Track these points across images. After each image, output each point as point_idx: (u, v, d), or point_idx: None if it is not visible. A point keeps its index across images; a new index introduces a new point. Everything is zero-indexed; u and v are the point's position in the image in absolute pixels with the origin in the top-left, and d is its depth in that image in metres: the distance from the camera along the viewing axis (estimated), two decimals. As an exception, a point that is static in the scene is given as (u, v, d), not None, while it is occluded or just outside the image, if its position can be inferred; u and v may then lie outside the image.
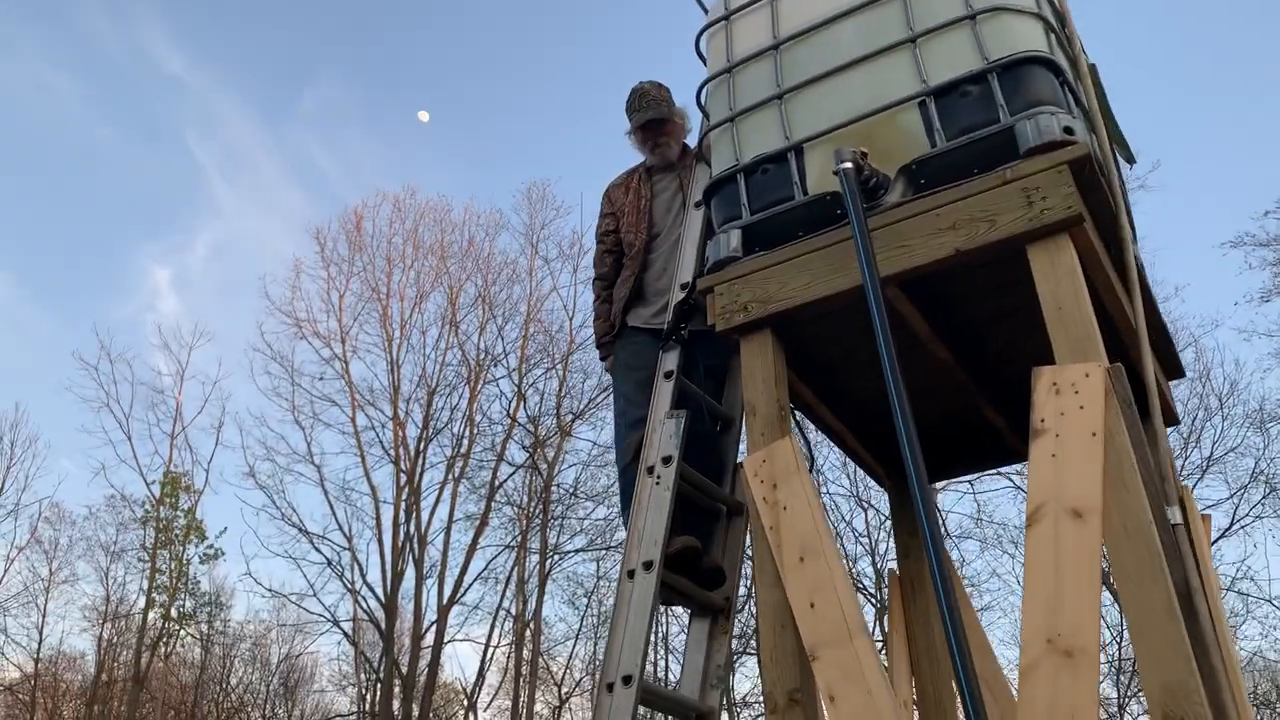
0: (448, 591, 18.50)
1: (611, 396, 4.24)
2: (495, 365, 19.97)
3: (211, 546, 20.63)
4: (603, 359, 3.92)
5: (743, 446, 3.26)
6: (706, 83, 3.27)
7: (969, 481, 16.02)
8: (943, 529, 15.06)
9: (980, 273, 2.73)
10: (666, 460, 3.13)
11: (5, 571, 21.62)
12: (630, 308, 3.81)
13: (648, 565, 2.95)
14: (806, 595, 2.46)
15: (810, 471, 2.79)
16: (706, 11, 3.40)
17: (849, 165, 2.60)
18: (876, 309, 2.37)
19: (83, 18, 27.24)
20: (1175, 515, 2.32)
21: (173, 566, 20.44)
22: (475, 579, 18.89)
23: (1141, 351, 2.68)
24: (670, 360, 3.38)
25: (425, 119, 26.62)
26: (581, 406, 19.22)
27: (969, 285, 2.82)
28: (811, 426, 3.53)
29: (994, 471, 15.09)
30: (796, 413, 3.39)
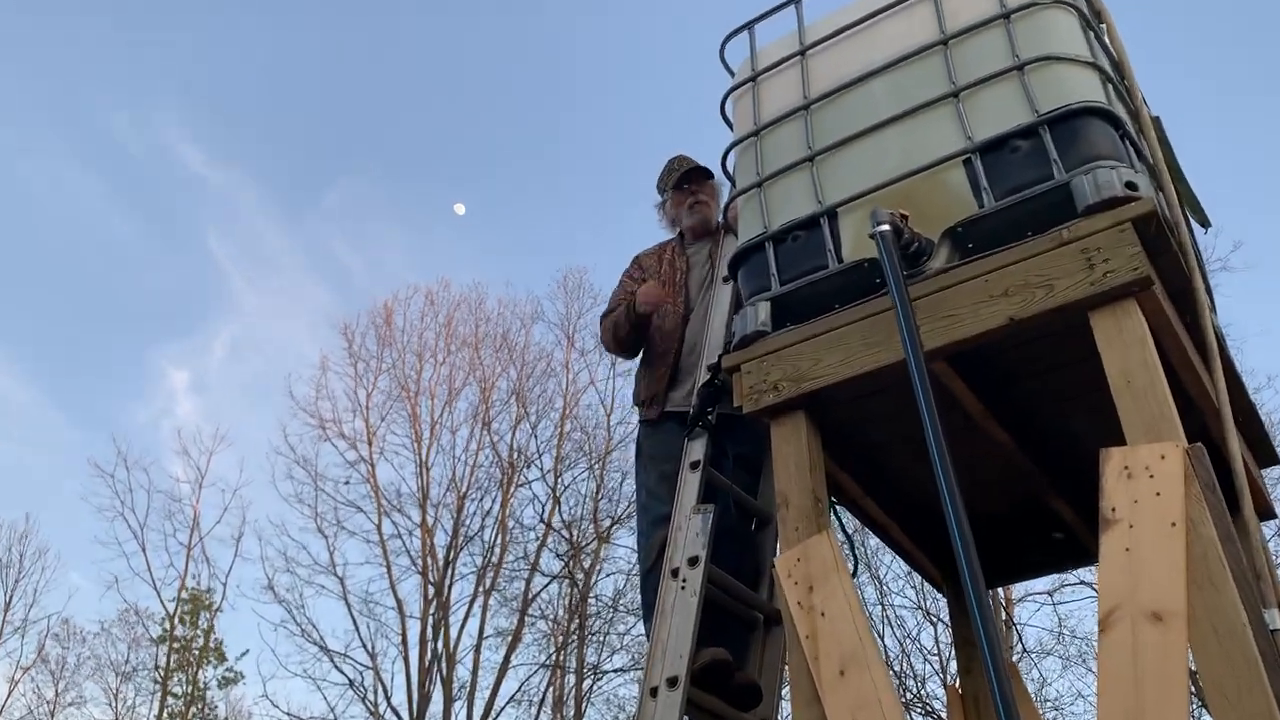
0: (478, 714, 18.12)
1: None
2: (529, 466, 19.82)
3: (231, 669, 20.47)
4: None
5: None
6: (732, 147, 3.23)
7: (1048, 593, 15.52)
8: (1019, 644, 14.53)
9: (1039, 344, 2.64)
10: (693, 561, 2.99)
11: (9, 694, 21.57)
12: (669, 389, 3.70)
13: (672, 682, 2.79)
14: (848, 713, 2.29)
15: (854, 573, 2.67)
16: (733, 74, 3.38)
17: (886, 228, 2.53)
18: (921, 386, 2.27)
19: (102, 116, 28.24)
20: (1275, 619, 2.13)
21: (188, 690, 20.23)
22: (508, 702, 18.46)
23: (1225, 430, 2.51)
24: (696, 449, 3.26)
25: (461, 211, 26.96)
26: (621, 511, 18.97)
27: (1026, 358, 2.73)
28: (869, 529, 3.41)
29: (1076, 580, 14.60)
30: (838, 507, 3.24)
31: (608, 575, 19.19)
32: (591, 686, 18.40)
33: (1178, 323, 2.58)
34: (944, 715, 15.91)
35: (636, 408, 3.83)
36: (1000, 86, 2.73)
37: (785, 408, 2.75)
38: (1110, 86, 2.73)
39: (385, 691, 18.50)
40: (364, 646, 18.87)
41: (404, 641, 18.64)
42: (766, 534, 3.44)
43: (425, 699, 18.22)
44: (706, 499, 3.17)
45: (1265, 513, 3.01)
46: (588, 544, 18.91)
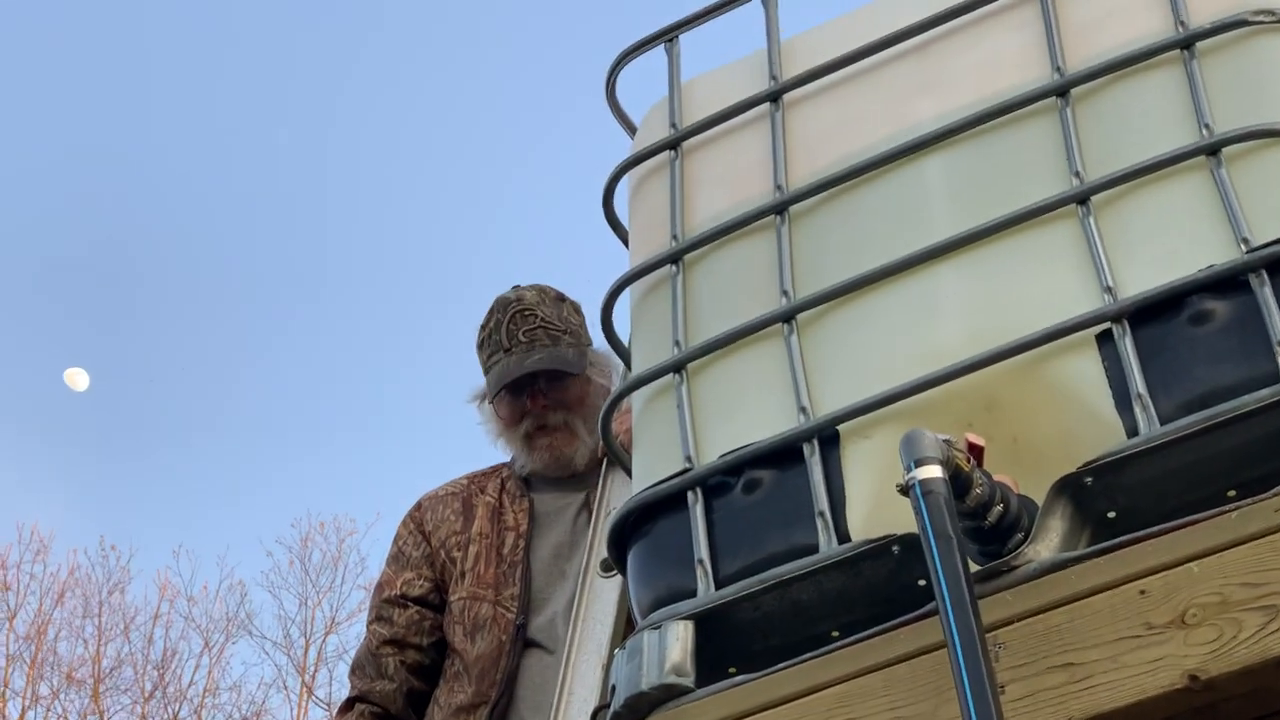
0: None
1: None
2: None
3: None
4: None
5: None
6: (625, 285, 3.00)
7: None
8: None
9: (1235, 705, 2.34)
10: None
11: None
12: None
13: None
14: None
15: None
16: (633, 132, 3.24)
17: (936, 474, 2.26)
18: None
19: None
20: None
21: None
22: None
23: None
24: None
25: (83, 382, 27.07)
26: None
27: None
28: None
29: None
30: None
31: None
32: None
33: None
34: None
35: None
36: (1172, 187, 2.51)
37: None
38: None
39: None
40: None
41: None
42: None
43: None
44: None
45: None
46: None
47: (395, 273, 37.48)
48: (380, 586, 3.90)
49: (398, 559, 3.89)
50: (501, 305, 3.84)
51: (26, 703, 23.77)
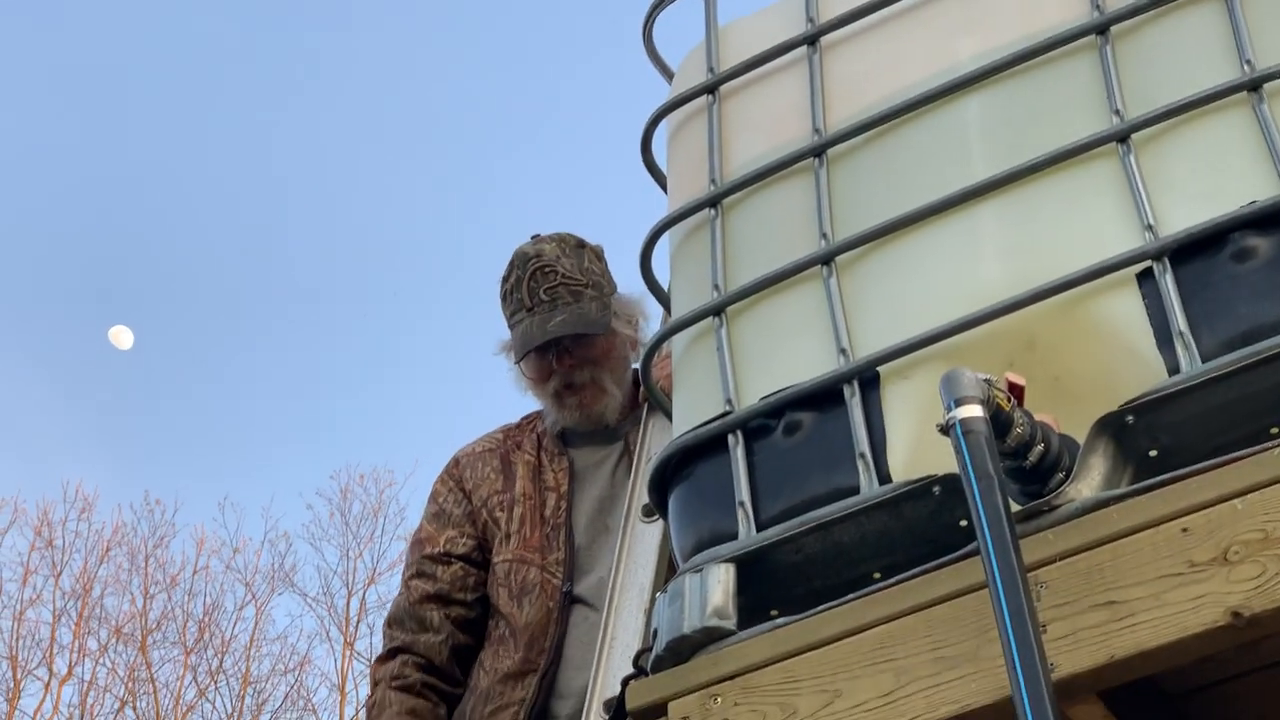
0: None
1: None
2: None
3: None
4: None
5: None
6: (663, 230, 2.98)
7: None
8: None
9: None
10: None
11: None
12: None
13: None
14: None
15: None
16: (670, 77, 3.21)
17: (976, 413, 2.22)
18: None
19: None
20: None
21: None
22: None
23: None
24: None
25: (127, 340, 27.02)
26: None
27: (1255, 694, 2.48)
28: None
29: None
30: None
31: None
32: None
33: None
34: None
35: None
36: (1213, 124, 2.47)
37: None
38: None
39: None
40: None
41: None
42: None
43: None
44: None
45: None
46: None
47: (429, 221, 37.53)
48: (420, 543, 3.88)
49: (438, 516, 3.87)
50: (521, 260, 3.78)
51: (74, 657, 24.01)
